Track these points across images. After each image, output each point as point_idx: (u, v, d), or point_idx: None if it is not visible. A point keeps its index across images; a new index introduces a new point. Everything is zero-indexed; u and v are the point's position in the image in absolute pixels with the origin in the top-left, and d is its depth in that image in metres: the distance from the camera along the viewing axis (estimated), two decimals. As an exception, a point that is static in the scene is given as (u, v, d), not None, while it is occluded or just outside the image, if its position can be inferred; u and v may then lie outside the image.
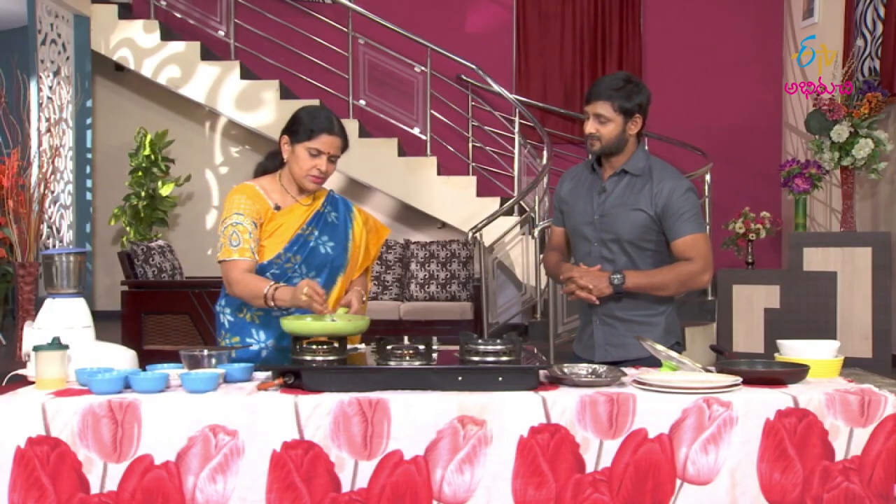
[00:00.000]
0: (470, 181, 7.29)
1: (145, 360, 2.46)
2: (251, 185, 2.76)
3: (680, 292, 2.82)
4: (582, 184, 2.92)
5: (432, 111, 7.46)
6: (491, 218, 6.29)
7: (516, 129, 7.48)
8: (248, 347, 2.70)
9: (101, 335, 2.50)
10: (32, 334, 2.35)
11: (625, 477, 2.07)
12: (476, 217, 6.80)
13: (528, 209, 6.62)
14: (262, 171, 2.86)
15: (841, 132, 5.55)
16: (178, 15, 7.74)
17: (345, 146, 2.77)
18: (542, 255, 3.11)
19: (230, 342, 2.75)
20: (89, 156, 7.43)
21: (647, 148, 8.00)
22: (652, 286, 2.74)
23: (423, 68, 7.47)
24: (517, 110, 7.36)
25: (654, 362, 2.65)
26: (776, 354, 2.51)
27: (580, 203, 2.88)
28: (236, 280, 2.62)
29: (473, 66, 7.17)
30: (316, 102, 7.22)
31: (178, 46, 7.37)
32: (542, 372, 2.26)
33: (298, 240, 2.73)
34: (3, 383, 2.35)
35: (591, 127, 2.77)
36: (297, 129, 2.70)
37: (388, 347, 2.26)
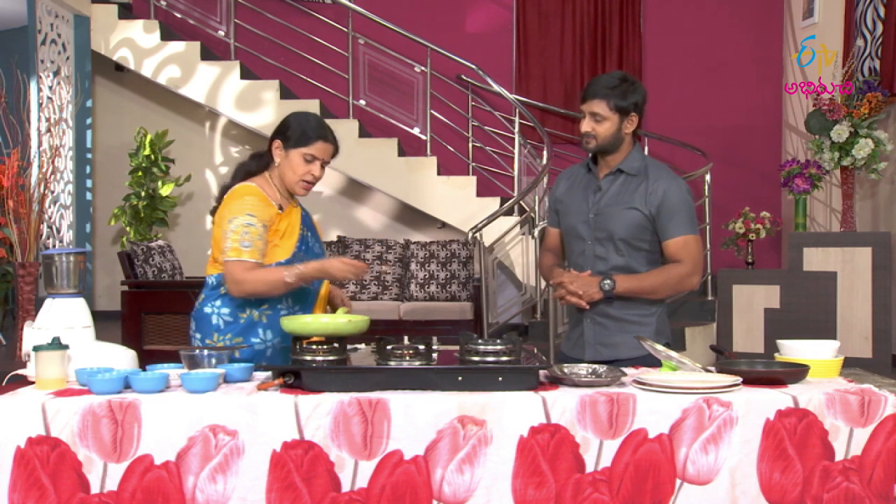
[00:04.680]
0: (470, 181, 7.29)
1: (145, 360, 2.46)
2: (255, 187, 2.77)
3: (670, 295, 2.82)
4: (578, 183, 2.92)
5: (432, 111, 7.46)
6: (491, 218, 6.29)
7: (516, 129, 7.49)
8: (252, 347, 2.71)
9: (101, 335, 2.51)
10: (32, 334, 2.35)
11: (625, 477, 2.07)
12: (476, 217, 6.80)
13: (528, 209, 6.62)
14: (244, 172, 2.87)
15: (841, 132, 5.55)
16: (178, 15, 7.74)
17: (335, 152, 2.84)
18: (538, 256, 3.11)
19: (228, 343, 2.76)
20: (89, 156, 7.43)
21: (646, 148, 7.90)
22: (642, 290, 2.74)
23: (423, 68, 7.47)
24: (517, 110, 7.36)
25: (646, 361, 2.65)
26: (776, 354, 2.51)
27: (576, 202, 2.89)
28: (243, 279, 2.63)
29: (473, 66, 7.17)
30: (316, 102, 7.24)
31: (178, 46, 7.37)
32: (542, 372, 2.26)
33: (303, 238, 2.82)
34: (3, 383, 2.35)
35: (586, 125, 2.78)
36: (290, 134, 2.75)
37: (388, 347, 2.26)
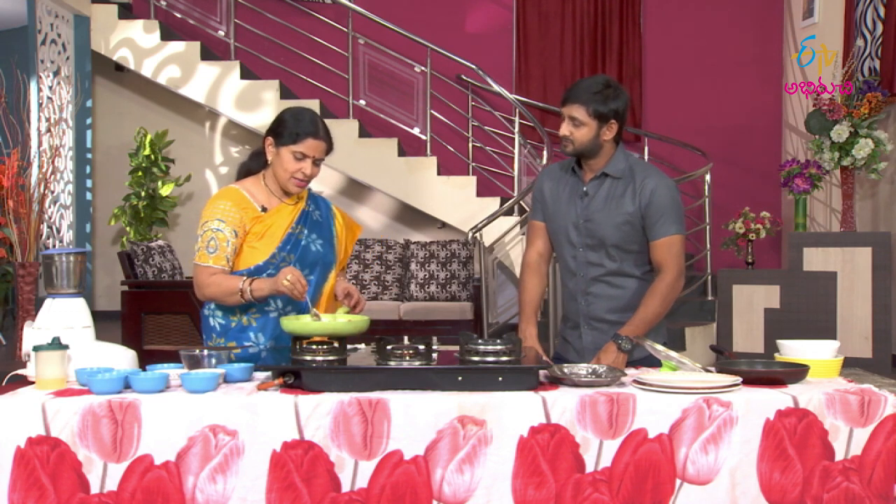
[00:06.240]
0: (470, 181, 7.29)
1: (145, 360, 2.46)
2: (236, 188, 2.77)
3: (669, 308, 2.79)
4: (563, 186, 2.89)
5: (432, 111, 7.46)
6: (491, 218, 6.29)
7: (516, 129, 7.48)
8: (247, 350, 2.71)
9: (101, 335, 2.50)
10: (32, 334, 2.35)
11: (625, 477, 2.07)
12: (476, 217, 6.80)
13: (527, 209, 6.62)
14: (245, 171, 2.87)
15: (841, 132, 5.55)
16: (178, 15, 7.74)
17: (329, 149, 2.76)
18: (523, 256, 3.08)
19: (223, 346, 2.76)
20: (89, 156, 7.42)
21: (646, 148, 7.82)
22: (650, 322, 2.72)
23: (423, 68, 7.47)
24: (517, 110, 7.36)
25: (646, 361, 2.65)
26: (776, 354, 2.51)
27: (562, 206, 2.86)
28: (206, 283, 2.66)
29: (473, 66, 7.17)
30: (316, 102, 7.23)
31: (178, 46, 7.37)
32: (542, 372, 2.26)
33: (290, 239, 2.75)
34: (3, 383, 2.35)
35: (564, 129, 2.78)
36: (281, 131, 2.70)
37: (388, 347, 2.26)
